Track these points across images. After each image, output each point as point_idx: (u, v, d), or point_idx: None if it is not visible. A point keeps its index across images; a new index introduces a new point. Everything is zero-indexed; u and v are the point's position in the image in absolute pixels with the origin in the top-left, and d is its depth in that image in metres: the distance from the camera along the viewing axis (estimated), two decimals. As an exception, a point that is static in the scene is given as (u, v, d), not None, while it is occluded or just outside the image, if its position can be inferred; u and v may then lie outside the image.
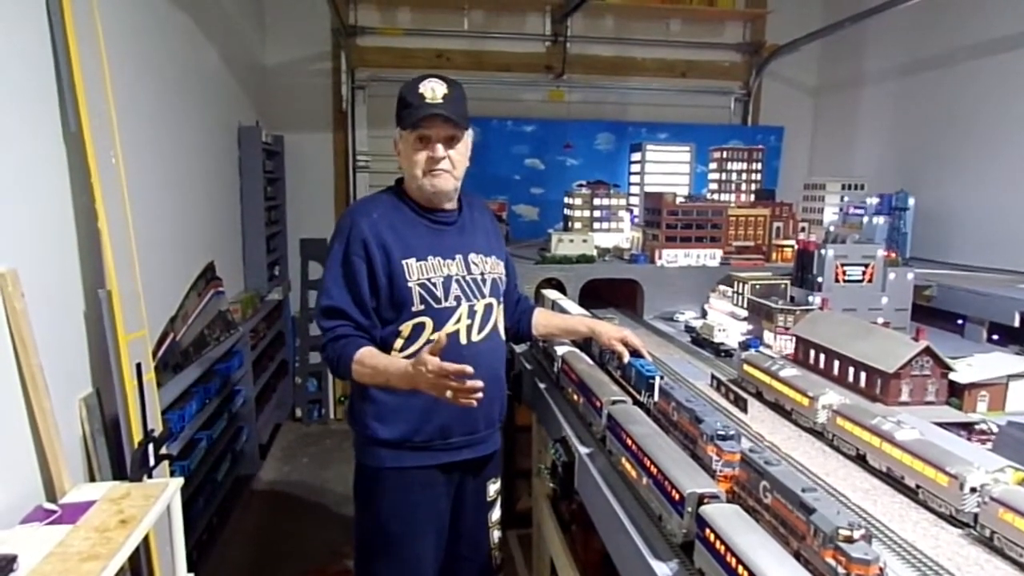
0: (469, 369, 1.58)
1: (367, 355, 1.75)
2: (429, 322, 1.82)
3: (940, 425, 1.75)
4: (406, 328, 1.82)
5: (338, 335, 1.79)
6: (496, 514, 2.11)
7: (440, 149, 1.80)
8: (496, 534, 2.13)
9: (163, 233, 2.92)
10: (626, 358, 1.95)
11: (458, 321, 1.84)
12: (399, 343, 1.83)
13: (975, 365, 1.99)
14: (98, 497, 1.79)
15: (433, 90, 1.79)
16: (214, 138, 3.84)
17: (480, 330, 1.88)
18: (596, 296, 3.26)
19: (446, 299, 1.83)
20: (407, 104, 1.80)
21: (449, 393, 1.61)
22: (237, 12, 4.35)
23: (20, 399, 1.76)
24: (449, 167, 1.82)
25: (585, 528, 2.06)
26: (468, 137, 1.89)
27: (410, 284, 1.80)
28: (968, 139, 3.87)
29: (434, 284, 1.82)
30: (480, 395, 1.61)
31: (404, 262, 1.80)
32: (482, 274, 1.91)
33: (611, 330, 2.07)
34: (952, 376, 1.91)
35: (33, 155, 1.93)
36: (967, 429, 1.79)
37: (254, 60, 4.77)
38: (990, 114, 3.73)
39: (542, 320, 2.21)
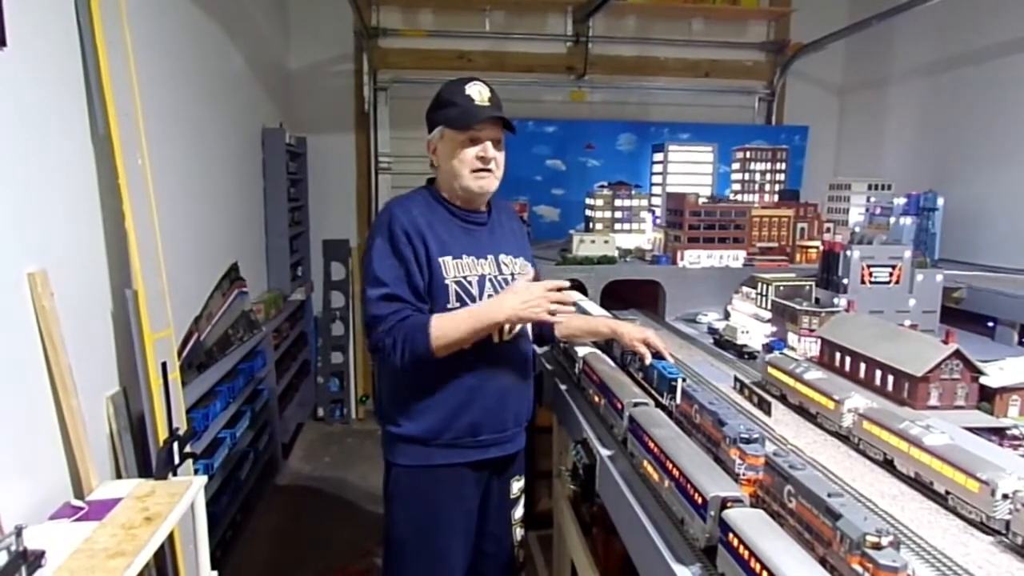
0: (565, 283, 1.81)
1: (444, 314, 1.78)
2: None
3: (970, 430, 1.71)
4: None
5: (403, 316, 1.76)
6: (519, 511, 2.13)
7: (491, 148, 1.84)
8: (519, 531, 2.14)
9: (188, 234, 2.96)
10: (648, 359, 1.94)
11: None
12: None
13: (1007, 368, 1.94)
14: (124, 494, 1.82)
15: (480, 92, 1.83)
16: (239, 140, 3.89)
17: (511, 329, 1.90)
18: (617, 297, 3.25)
19: (480, 297, 1.85)
20: (453, 105, 1.82)
21: (551, 307, 1.77)
22: (262, 16, 4.40)
23: (49, 397, 1.79)
24: (495, 167, 1.87)
25: (606, 531, 2.04)
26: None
27: (447, 281, 1.82)
28: (999, 138, 3.79)
29: (469, 282, 1.84)
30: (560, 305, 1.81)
31: (441, 260, 1.82)
32: (512, 274, 1.93)
33: (633, 331, 2.06)
34: (983, 380, 1.87)
35: (62, 158, 1.97)
36: (998, 434, 1.74)
37: (278, 63, 4.82)
38: (1022, 112, 3.64)
39: (564, 320, 2.21)
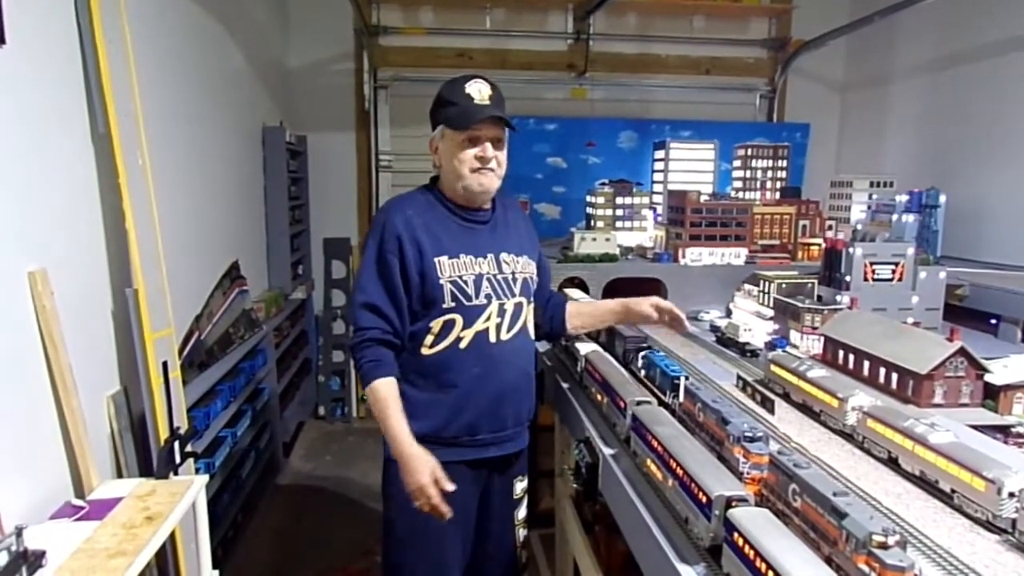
0: (447, 514, 1.76)
1: (390, 389, 1.78)
2: (459, 319, 1.83)
3: (975, 428, 1.70)
4: (436, 324, 1.83)
5: (372, 338, 1.79)
6: (522, 512, 2.12)
7: (490, 149, 1.83)
8: (522, 532, 2.13)
9: (189, 232, 2.96)
10: (654, 316, 2.05)
11: (488, 319, 1.85)
12: (429, 339, 1.84)
13: (1011, 366, 1.94)
14: (125, 494, 1.81)
15: (480, 91, 1.81)
16: (239, 139, 3.88)
17: (509, 329, 1.89)
18: (619, 295, 3.23)
19: (476, 297, 1.84)
20: (452, 104, 1.81)
21: (422, 505, 1.75)
22: (262, 14, 4.39)
23: (50, 397, 1.79)
24: (496, 166, 1.86)
25: (609, 530, 2.04)
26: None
27: (442, 281, 1.81)
28: (1001, 134, 3.78)
29: (465, 282, 1.83)
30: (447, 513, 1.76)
31: (436, 260, 1.81)
32: (513, 273, 1.92)
33: (643, 299, 2.10)
34: (987, 378, 1.86)
35: (62, 157, 1.96)
36: (1003, 432, 1.74)
37: (278, 61, 4.81)
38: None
39: (574, 310, 2.20)
